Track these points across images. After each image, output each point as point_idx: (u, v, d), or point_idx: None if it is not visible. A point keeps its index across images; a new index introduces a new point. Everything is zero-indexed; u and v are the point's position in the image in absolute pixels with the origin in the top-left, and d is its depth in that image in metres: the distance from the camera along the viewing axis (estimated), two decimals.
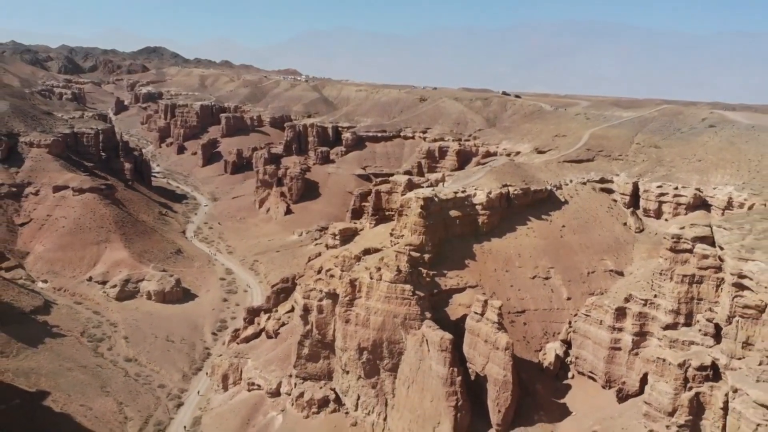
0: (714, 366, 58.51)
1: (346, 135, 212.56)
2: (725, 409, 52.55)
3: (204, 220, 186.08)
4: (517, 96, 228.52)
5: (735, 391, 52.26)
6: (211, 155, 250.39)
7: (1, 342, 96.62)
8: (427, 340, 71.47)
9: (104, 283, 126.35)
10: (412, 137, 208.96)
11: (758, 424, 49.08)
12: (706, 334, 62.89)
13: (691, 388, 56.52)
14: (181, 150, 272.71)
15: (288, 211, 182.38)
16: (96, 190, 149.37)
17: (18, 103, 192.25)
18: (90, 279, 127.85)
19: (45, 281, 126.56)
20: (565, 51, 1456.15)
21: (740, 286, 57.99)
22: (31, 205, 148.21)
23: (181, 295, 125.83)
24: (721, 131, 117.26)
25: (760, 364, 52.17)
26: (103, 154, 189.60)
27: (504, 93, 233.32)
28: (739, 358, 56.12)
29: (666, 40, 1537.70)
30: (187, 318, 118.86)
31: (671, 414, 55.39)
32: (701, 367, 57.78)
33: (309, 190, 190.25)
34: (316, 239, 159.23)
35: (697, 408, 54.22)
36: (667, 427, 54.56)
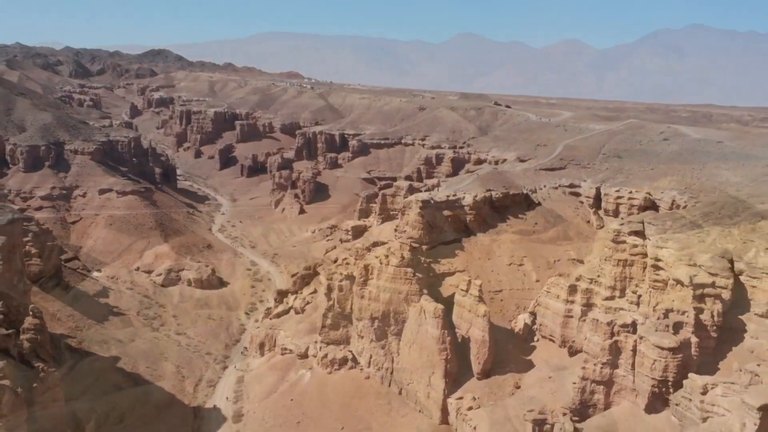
0: (634, 324, 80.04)
1: (353, 142, 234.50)
2: (634, 351, 74.20)
3: (227, 219, 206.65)
4: (508, 106, 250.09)
5: (641, 337, 74.06)
6: (227, 159, 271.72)
7: (77, 318, 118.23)
8: (424, 310, 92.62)
9: (150, 272, 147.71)
10: (412, 144, 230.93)
11: (654, 360, 70.99)
12: (632, 303, 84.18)
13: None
14: (198, 154, 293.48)
15: (301, 211, 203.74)
16: (137, 192, 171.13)
17: (58, 113, 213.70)
18: (137, 269, 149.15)
19: (99, 270, 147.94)
20: None
21: (656, 267, 79.99)
22: (80, 206, 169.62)
23: (216, 282, 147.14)
24: (673, 144, 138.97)
25: (658, 318, 73.99)
26: (134, 159, 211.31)
27: (496, 103, 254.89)
28: (650, 318, 77.96)
29: None
30: (222, 301, 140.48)
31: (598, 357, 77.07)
32: (623, 325, 78.87)
33: (320, 192, 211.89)
34: (327, 236, 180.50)
35: (616, 351, 75.74)
36: (594, 364, 76.24)
